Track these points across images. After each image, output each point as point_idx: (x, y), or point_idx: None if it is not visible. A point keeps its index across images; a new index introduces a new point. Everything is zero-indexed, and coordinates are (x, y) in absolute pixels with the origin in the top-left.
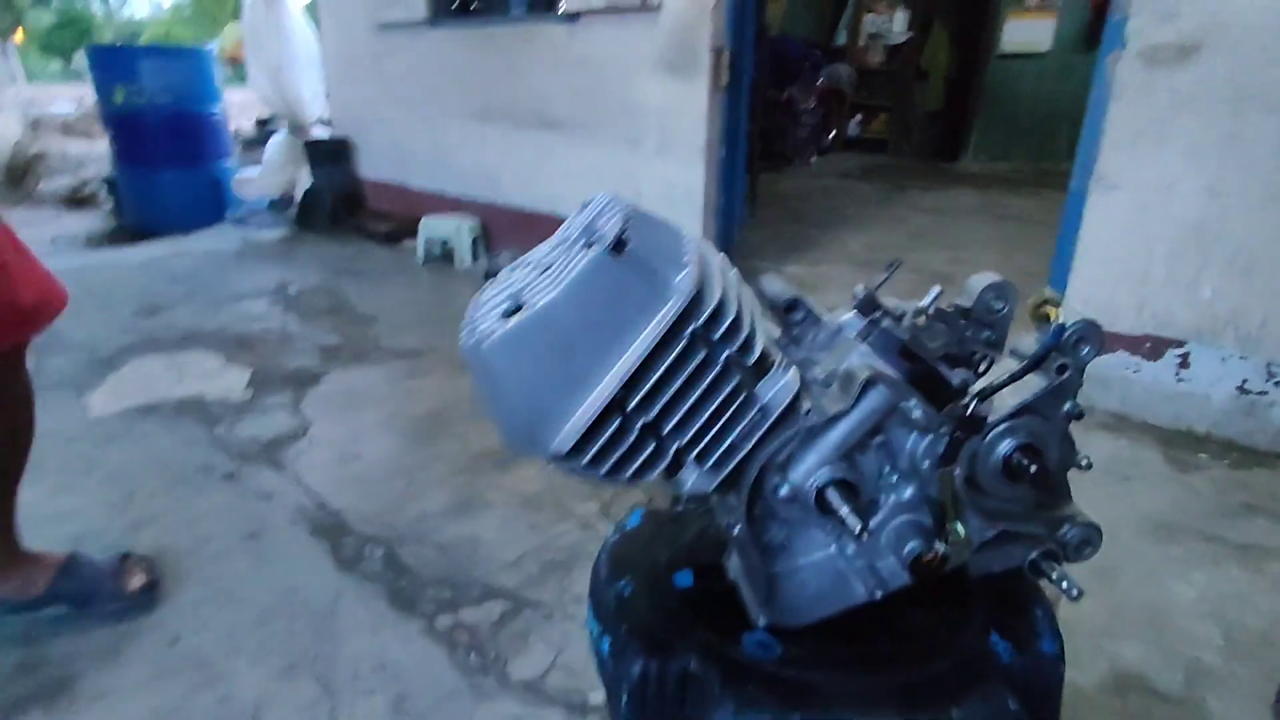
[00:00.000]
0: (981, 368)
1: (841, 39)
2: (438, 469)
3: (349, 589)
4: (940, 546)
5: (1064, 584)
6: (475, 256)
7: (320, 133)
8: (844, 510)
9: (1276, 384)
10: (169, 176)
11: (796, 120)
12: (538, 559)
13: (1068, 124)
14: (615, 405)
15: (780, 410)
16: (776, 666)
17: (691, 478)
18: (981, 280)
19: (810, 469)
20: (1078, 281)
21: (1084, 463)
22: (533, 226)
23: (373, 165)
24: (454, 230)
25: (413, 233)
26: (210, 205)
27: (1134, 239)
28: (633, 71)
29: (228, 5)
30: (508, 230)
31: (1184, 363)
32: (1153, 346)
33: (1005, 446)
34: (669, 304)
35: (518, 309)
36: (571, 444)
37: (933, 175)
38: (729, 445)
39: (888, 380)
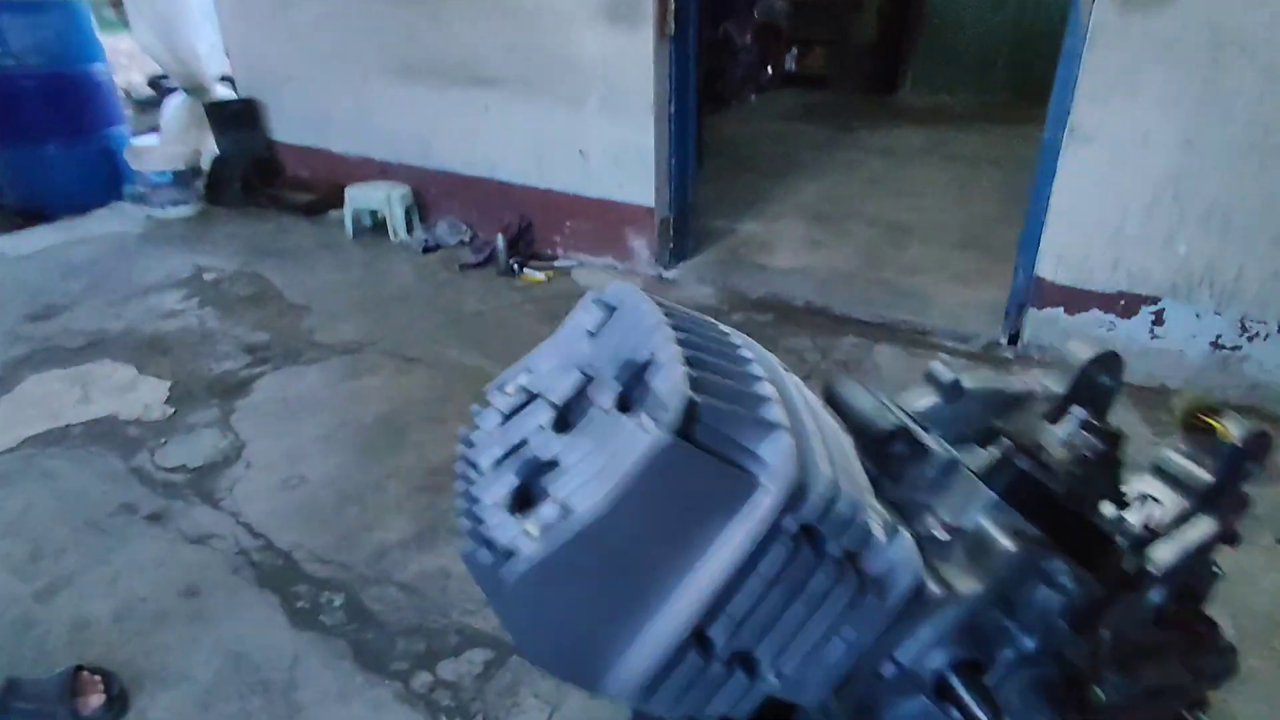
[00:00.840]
0: (1132, 507)
1: None
2: (394, 489)
3: (308, 649)
4: None
5: None
6: (410, 227)
7: (224, 93)
8: (967, 699)
9: (1250, 338)
10: (52, 150)
11: (734, 58)
12: None
13: (1006, 53)
14: (695, 635)
15: (900, 599)
16: None
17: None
18: (1082, 351)
19: (924, 648)
20: (1051, 238)
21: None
22: (470, 192)
23: (287, 129)
24: (384, 199)
25: (338, 203)
26: (104, 180)
27: (1108, 194)
28: (571, 21)
29: None
30: (443, 197)
31: (1158, 319)
32: (1127, 304)
33: (1157, 595)
34: (765, 497)
35: (529, 493)
36: (640, 686)
37: (876, 112)
38: (840, 653)
39: (1033, 548)
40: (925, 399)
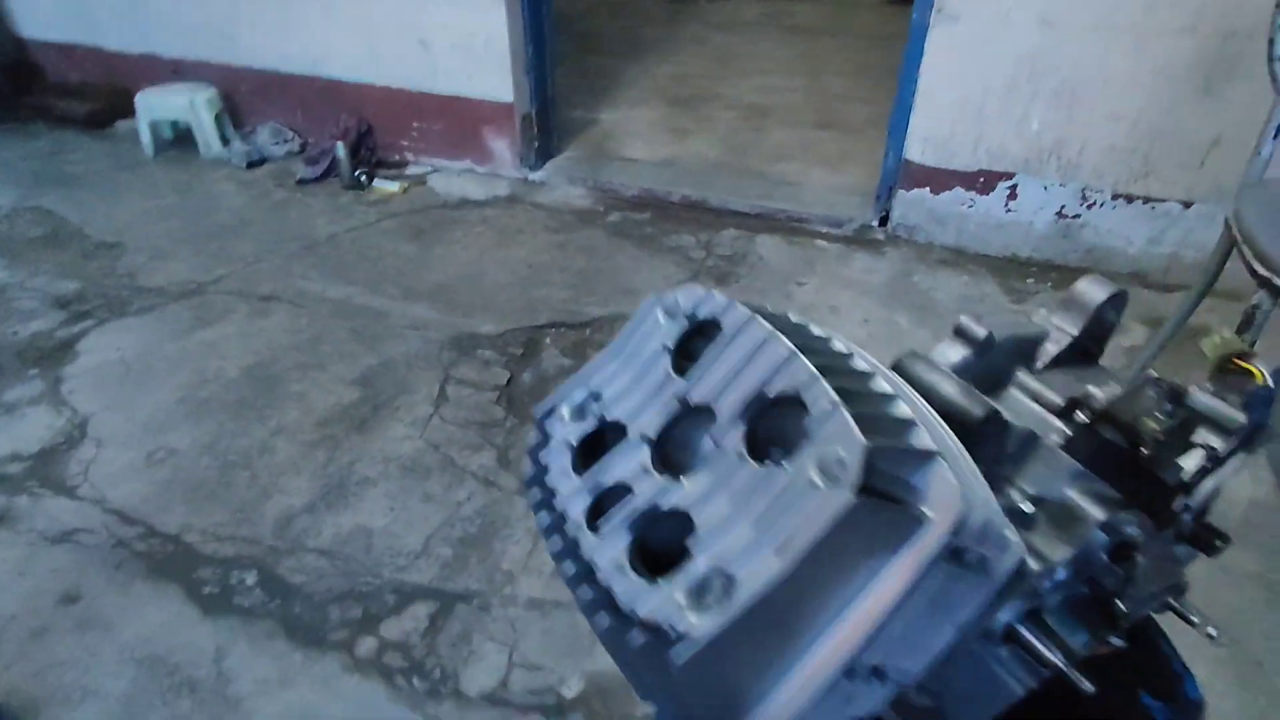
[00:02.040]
0: (1189, 459)
1: None
2: (284, 448)
3: (231, 637)
4: (1117, 642)
5: (1209, 629)
6: (225, 139)
7: None
8: (1058, 660)
9: (1089, 207)
10: None
11: None
12: (447, 539)
13: None
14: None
15: (1001, 584)
16: None
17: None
18: (1096, 293)
19: (1005, 611)
20: (919, 119)
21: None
22: (293, 92)
23: (40, 20)
24: (187, 106)
25: (125, 111)
26: None
27: (972, 73)
28: None
29: None
30: (259, 99)
31: (1013, 194)
32: (986, 181)
33: (1187, 519)
34: (929, 533)
35: (649, 549)
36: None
37: None
38: (950, 639)
39: (1117, 512)
40: (957, 353)
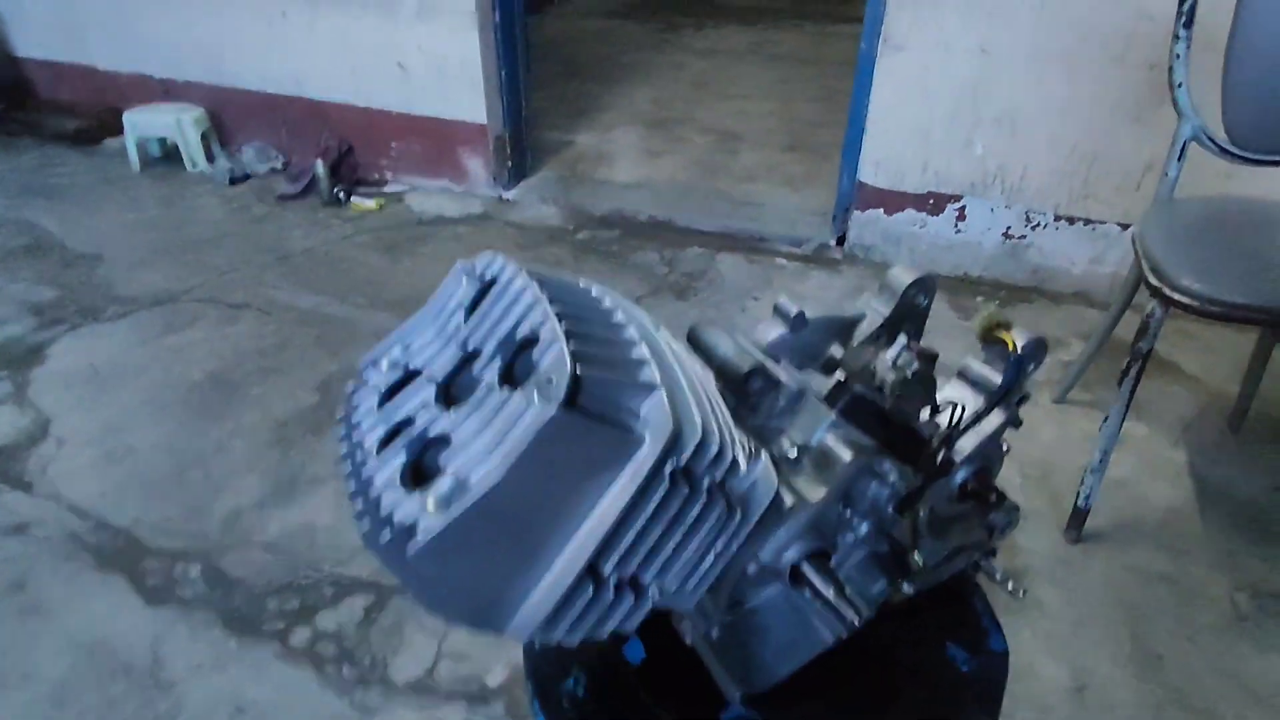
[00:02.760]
0: (945, 414)
1: None
2: (239, 449)
3: (170, 626)
4: (908, 589)
5: (1009, 585)
6: (210, 156)
7: None
8: (830, 594)
9: (1033, 228)
10: None
11: None
12: None
13: None
14: (587, 570)
15: (760, 512)
16: None
17: (663, 602)
18: (903, 277)
19: (781, 546)
20: (871, 144)
21: (1006, 449)
22: (277, 112)
23: (35, 40)
24: (174, 124)
25: (114, 129)
26: None
27: (918, 99)
28: None
29: None
30: (245, 119)
31: (961, 215)
32: (935, 202)
33: (962, 473)
34: (642, 450)
35: (422, 470)
36: (539, 623)
37: (698, 9)
38: (711, 564)
39: (868, 454)
40: (775, 330)
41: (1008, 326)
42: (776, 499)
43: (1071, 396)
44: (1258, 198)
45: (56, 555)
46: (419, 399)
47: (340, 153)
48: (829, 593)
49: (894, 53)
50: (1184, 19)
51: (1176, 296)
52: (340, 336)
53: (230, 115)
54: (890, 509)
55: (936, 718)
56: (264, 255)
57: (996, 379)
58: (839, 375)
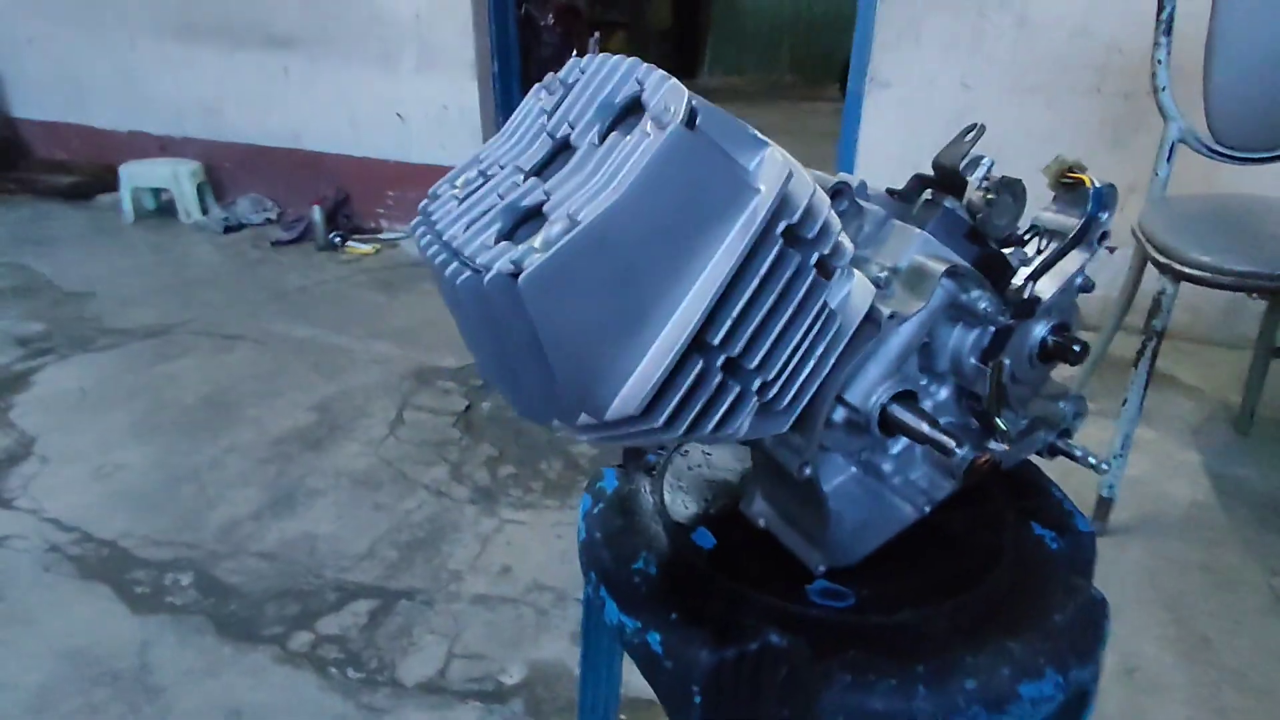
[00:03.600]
0: (1031, 244)
1: None
2: (234, 464)
3: (159, 632)
4: (996, 448)
5: (1091, 459)
6: (205, 207)
7: None
8: (924, 428)
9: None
10: None
11: (538, 38)
12: (394, 542)
13: (789, 38)
14: (695, 341)
15: (856, 324)
16: (860, 616)
17: (750, 422)
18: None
19: (871, 386)
20: (861, 173)
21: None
22: (274, 164)
23: (32, 102)
24: (170, 176)
25: (109, 185)
26: None
27: (905, 132)
28: None
29: None
30: (241, 171)
31: None
32: None
33: (1042, 328)
34: (759, 198)
35: (525, 220)
36: (644, 402)
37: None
38: (808, 374)
39: (961, 271)
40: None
41: (1082, 169)
42: (872, 310)
43: None
44: (1243, 193)
45: (35, 567)
46: (509, 183)
47: (336, 201)
48: (923, 428)
49: (881, 89)
50: (1163, 27)
51: (1187, 270)
52: (337, 363)
53: (226, 168)
54: (974, 359)
55: (1039, 594)
56: (259, 293)
57: (1070, 221)
58: (926, 195)
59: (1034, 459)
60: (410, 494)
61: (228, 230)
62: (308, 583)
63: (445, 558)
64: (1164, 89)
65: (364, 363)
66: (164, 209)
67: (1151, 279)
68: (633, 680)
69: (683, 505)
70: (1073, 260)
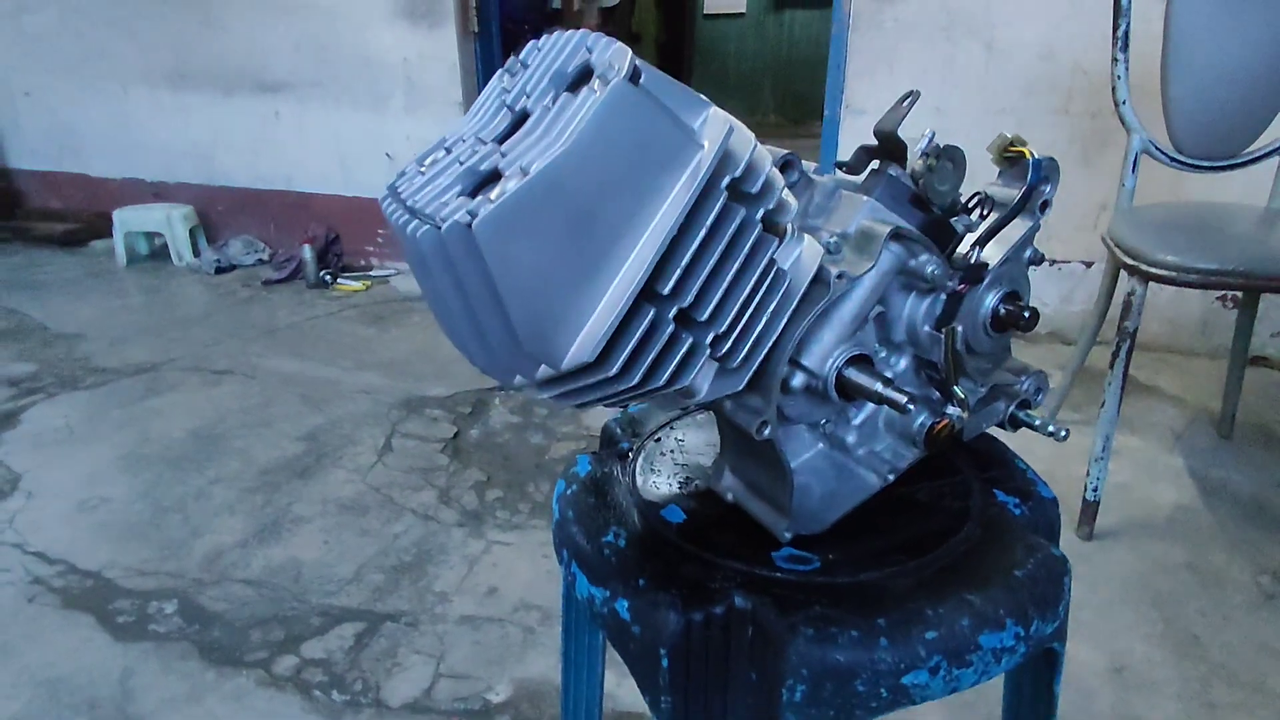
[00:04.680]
0: (975, 211)
1: (556, 2)
2: (221, 494)
3: (140, 660)
4: (953, 413)
5: (1050, 427)
6: (196, 250)
7: None
8: (878, 387)
9: None
10: None
11: None
12: (380, 566)
13: (770, 79)
14: (646, 292)
15: (805, 283)
16: (826, 577)
17: (708, 380)
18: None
19: (827, 350)
20: None
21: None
22: (265, 206)
23: (27, 152)
24: (163, 220)
25: (103, 231)
26: None
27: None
28: (366, 20)
29: None
30: (233, 214)
31: None
32: None
33: (993, 297)
34: (702, 152)
35: (485, 183)
36: (597, 349)
37: None
38: (761, 331)
39: (909, 235)
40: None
41: (1022, 143)
42: (822, 271)
43: (1060, 417)
44: (1209, 200)
45: (18, 598)
46: (469, 151)
47: (327, 240)
48: (877, 387)
49: (856, 116)
50: (1120, 43)
51: (1155, 271)
52: (325, 394)
53: (218, 211)
54: (928, 327)
55: (1003, 555)
56: (249, 330)
57: (1011, 190)
58: (873, 165)
59: (1000, 436)
60: (397, 519)
61: (219, 271)
62: (292, 608)
63: (432, 580)
64: (1124, 102)
65: (353, 393)
66: (157, 253)
67: (1125, 286)
68: (619, 694)
69: (654, 486)
70: (1019, 230)
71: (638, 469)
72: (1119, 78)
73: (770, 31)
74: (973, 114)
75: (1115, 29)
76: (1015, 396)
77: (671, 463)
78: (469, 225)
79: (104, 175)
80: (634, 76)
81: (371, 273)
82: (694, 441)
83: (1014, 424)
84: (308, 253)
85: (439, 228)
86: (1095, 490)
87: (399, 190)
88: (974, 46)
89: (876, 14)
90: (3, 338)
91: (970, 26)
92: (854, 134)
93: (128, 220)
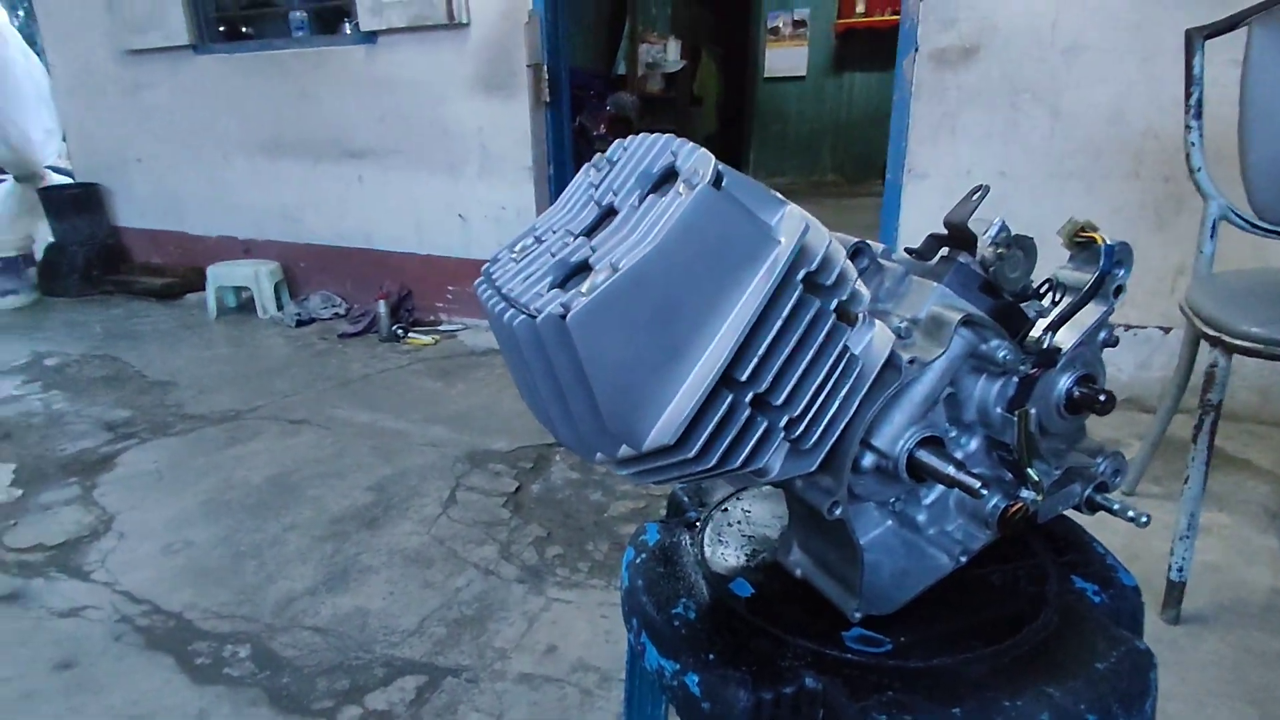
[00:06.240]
0: (1047, 296)
1: (621, 68)
2: (294, 541)
3: (215, 702)
4: (1027, 496)
5: (1130, 512)
6: (280, 304)
7: (59, 179)
8: (949, 470)
9: None
10: None
11: (590, 146)
12: (443, 619)
13: (830, 139)
14: (724, 378)
15: (877, 369)
16: (898, 660)
17: (780, 461)
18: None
19: (898, 432)
20: None
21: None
22: (344, 263)
23: (136, 213)
24: (251, 276)
25: (197, 286)
26: None
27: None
28: (445, 92)
29: None
30: (315, 270)
31: None
32: None
33: (1067, 380)
34: (779, 248)
35: (574, 274)
36: (677, 432)
37: None
38: (833, 415)
39: (980, 320)
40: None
41: (1094, 228)
42: (893, 356)
43: (1140, 490)
44: None
45: (106, 637)
46: (560, 242)
47: (400, 296)
48: (949, 470)
49: (918, 180)
50: (1193, 111)
51: (1239, 342)
52: (395, 446)
53: (301, 267)
54: (1000, 408)
55: (1082, 644)
56: (324, 382)
57: (1085, 276)
58: (942, 252)
59: (1077, 520)
60: (460, 572)
61: (299, 324)
62: (358, 658)
63: (492, 635)
64: (1199, 170)
65: (420, 446)
66: (244, 306)
67: (1206, 356)
68: None
69: (722, 557)
70: (1092, 314)
71: (705, 539)
72: (1193, 145)
73: (830, 93)
74: (1038, 178)
75: (1188, 97)
76: (1092, 479)
77: (739, 534)
78: (563, 317)
79: (201, 233)
80: (717, 180)
81: (440, 327)
82: (761, 513)
83: (1091, 507)
84: (382, 308)
85: (533, 317)
86: (1181, 571)
87: (494, 275)
88: (1038, 111)
89: (938, 82)
90: (105, 384)
91: (1035, 92)
92: (916, 198)
93: (219, 275)
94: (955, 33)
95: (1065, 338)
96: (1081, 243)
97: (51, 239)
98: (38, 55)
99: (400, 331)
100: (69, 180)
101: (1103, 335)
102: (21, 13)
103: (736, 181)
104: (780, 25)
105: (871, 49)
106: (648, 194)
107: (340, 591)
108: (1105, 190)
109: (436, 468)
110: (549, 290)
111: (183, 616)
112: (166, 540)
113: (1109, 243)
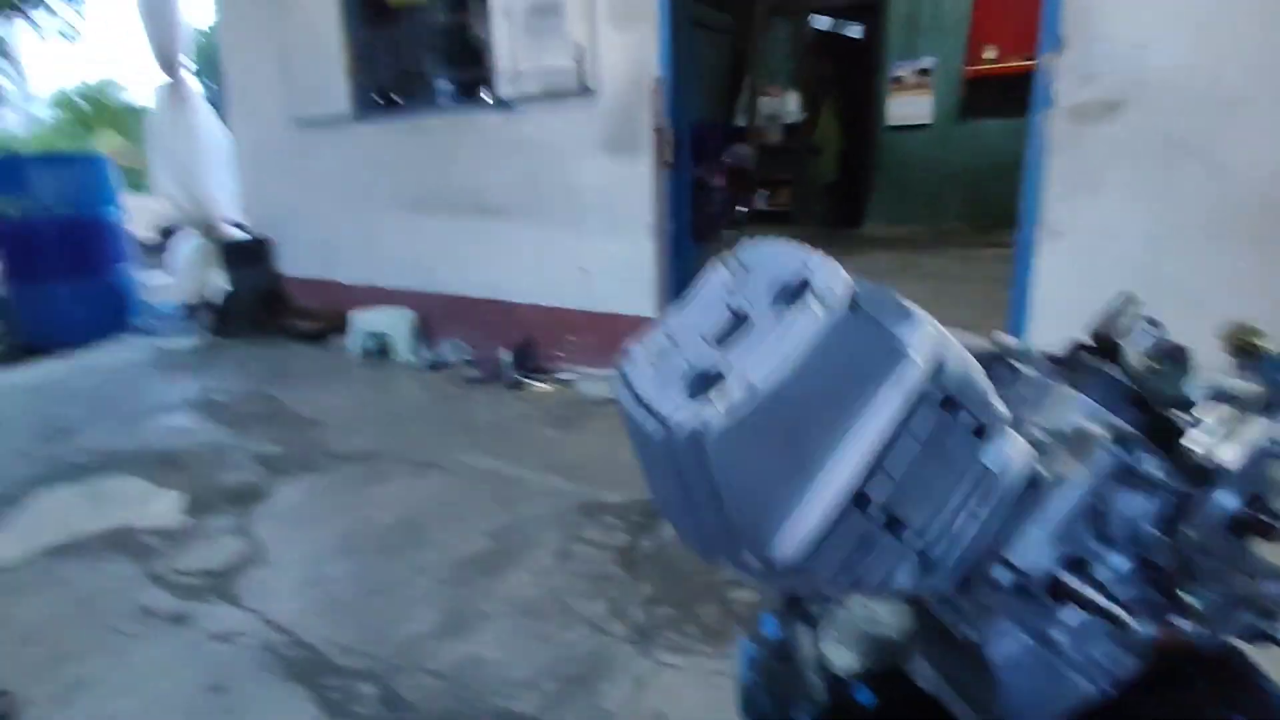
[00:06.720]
0: (1206, 409)
1: (741, 120)
2: (420, 583)
3: None
4: (1183, 624)
5: None
6: (414, 349)
7: (235, 233)
8: (1094, 596)
9: None
10: (65, 288)
11: (708, 197)
12: (553, 675)
13: (956, 187)
14: (856, 496)
15: (1016, 487)
16: None
17: (913, 580)
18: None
19: (1038, 550)
20: (1036, 327)
21: None
22: (473, 313)
23: (296, 263)
24: (390, 323)
25: (342, 329)
26: (111, 315)
27: (1085, 283)
28: (573, 153)
29: (106, 114)
30: (446, 319)
31: None
32: None
33: (1231, 499)
34: (912, 365)
35: (708, 383)
36: (807, 550)
37: (843, 241)
38: (969, 535)
39: (1125, 435)
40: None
41: (1260, 335)
42: (1034, 475)
43: None
44: None
45: (252, 662)
46: (694, 349)
47: (523, 344)
48: (1096, 597)
49: (1055, 239)
50: None
51: None
52: (513, 493)
53: (435, 316)
54: (1151, 529)
55: None
56: (452, 426)
57: (1255, 387)
58: (1086, 360)
59: (1249, 651)
60: (571, 627)
61: (431, 368)
62: (472, 706)
63: (600, 696)
64: None
65: (537, 494)
66: (382, 350)
67: None
68: None
69: (842, 659)
70: (1260, 428)
71: (825, 637)
72: None
73: (956, 141)
74: (1194, 242)
75: None
76: (1259, 606)
77: (859, 633)
78: (698, 432)
79: (350, 282)
80: (853, 302)
81: (559, 375)
82: (884, 612)
83: (1257, 637)
84: (506, 356)
85: (670, 429)
86: None
87: (627, 374)
88: (1193, 167)
89: (1076, 134)
90: (263, 421)
91: (1188, 147)
92: (1053, 258)
93: (362, 321)
94: (1097, 87)
95: (1229, 452)
96: (1245, 349)
97: (227, 287)
98: (221, 121)
99: (522, 379)
100: (244, 234)
101: (1275, 450)
102: (212, 83)
103: (869, 297)
104: (903, 74)
105: (1003, 96)
106: (778, 302)
107: (460, 638)
108: (1277, 251)
109: (552, 517)
110: (684, 400)
111: (318, 650)
112: (307, 574)
113: (1276, 354)
